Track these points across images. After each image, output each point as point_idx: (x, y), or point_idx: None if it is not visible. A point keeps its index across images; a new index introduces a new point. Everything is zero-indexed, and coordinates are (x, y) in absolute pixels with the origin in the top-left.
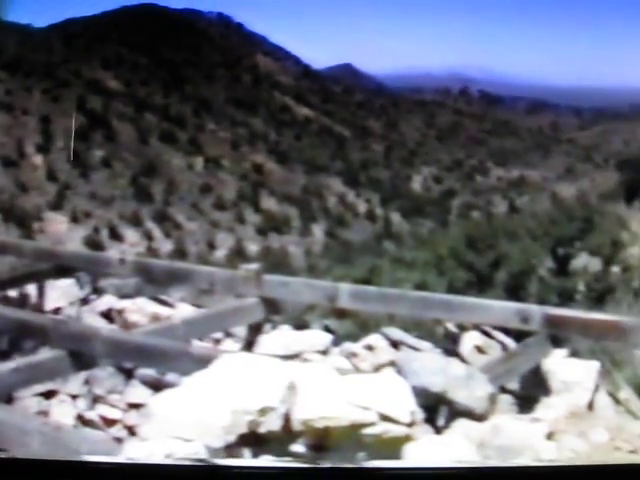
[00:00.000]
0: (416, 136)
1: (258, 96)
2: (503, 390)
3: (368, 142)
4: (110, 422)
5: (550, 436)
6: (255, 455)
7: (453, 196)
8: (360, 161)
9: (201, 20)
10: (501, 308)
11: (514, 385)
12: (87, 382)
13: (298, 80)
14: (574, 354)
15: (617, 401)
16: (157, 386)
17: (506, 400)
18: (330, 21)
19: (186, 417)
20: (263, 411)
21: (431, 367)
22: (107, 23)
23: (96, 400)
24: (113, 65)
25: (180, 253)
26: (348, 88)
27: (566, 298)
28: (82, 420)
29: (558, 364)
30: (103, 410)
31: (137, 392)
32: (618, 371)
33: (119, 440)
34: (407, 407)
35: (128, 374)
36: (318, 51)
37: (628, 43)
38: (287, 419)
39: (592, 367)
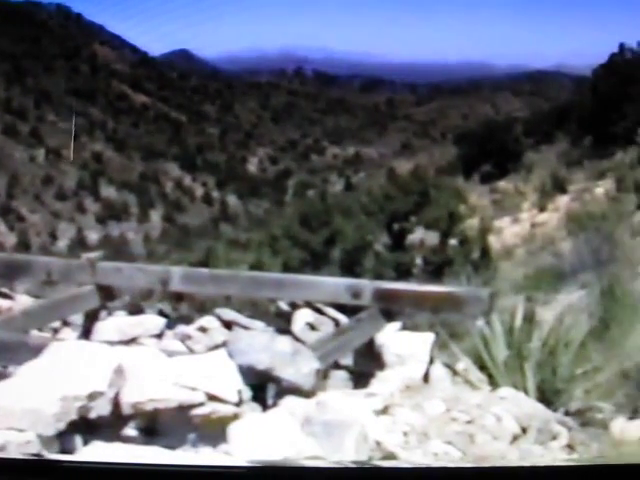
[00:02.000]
0: (251, 118)
1: (96, 85)
2: (337, 366)
3: (204, 126)
4: None
5: (384, 410)
6: (86, 441)
7: (289, 176)
8: (196, 145)
9: (41, 11)
10: (332, 284)
11: (348, 361)
12: None
13: (135, 68)
14: (413, 328)
15: (455, 372)
16: (0, 379)
17: (341, 376)
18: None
19: (18, 407)
20: (92, 396)
21: (257, 345)
22: None
23: None
24: None
25: (24, 245)
26: (184, 73)
27: (403, 272)
28: None
29: (391, 338)
30: None
31: None
32: (457, 342)
33: None
34: (234, 386)
35: None
36: (154, 38)
37: (465, 18)
38: (116, 403)
39: (427, 339)
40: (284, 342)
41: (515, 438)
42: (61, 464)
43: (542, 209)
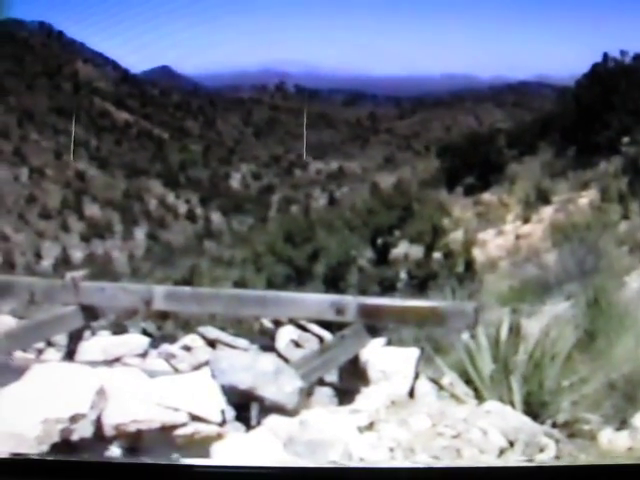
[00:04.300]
0: (234, 134)
1: (78, 103)
2: (322, 383)
3: (186, 143)
4: None
5: (369, 426)
6: None
7: (272, 191)
8: (179, 162)
9: (22, 29)
10: (315, 301)
11: (333, 377)
12: None
13: (117, 85)
14: (398, 343)
15: (441, 387)
16: None
17: (326, 393)
18: (147, 24)
19: (0, 430)
20: (74, 418)
21: (239, 364)
22: None
23: None
24: None
25: (9, 265)
26: (165, 90)
27: (388, 287)
28: None
29: (376, 354)
30: None
31: None
32: (442, 357)
33: None
34: (217, 406)
35: None
36: (136, 55)
37: (446, 30)
38: (99, 425)
39: (411, 354)
40: (267, 361)
41: (502, 452)
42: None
43: (526, 220)
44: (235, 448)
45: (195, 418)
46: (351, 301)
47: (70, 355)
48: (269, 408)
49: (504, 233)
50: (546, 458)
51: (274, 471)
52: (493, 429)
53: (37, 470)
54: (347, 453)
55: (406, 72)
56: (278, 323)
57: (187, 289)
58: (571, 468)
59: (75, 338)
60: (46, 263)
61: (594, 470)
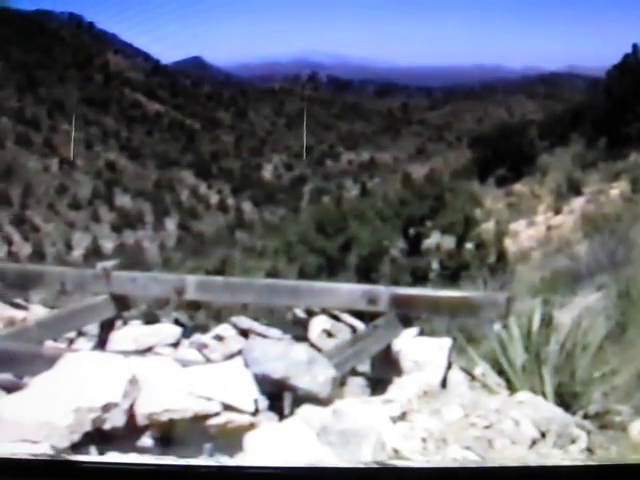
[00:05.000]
0: (266, 125)
1: (109, 94)
2: (354, 373)
3: (218, 133)
4: None
5: (402, 416)
6: (101, 452)
7: (304, 182)
8: (210, 153)
9: (52, 21)
10: (348, 291)
11: (365, 367)
12: None
13: (148, 76)
14: (430, 333)
15: (473, 377)
16: (15, 390)
17: (358, 383)
18: (177, 15)
19: (31, 419)
20: (106, 408)
21: (272, 354)
22: None
23: None
24: None
25: (39, 255)
26: (197, 81)
27: (420, 277)
28: None
29: (408, 344)
30: None
31: None
32: (474, 347)
33: None
34: (250, 396)
35: None
36: (167, 46)
37: (478, 21)
38: (131, 414)
39: (444, 344)
40: (300, 350)
41: (534, 442)
42: (78, 465)
43: (557, 211)
44: (268, 438)
45: (228, 408)
46: (384, 291)
47: (101, 345)
48: (302, 398)
49: (535, 224)
50: (577, 450)
51: (270, 471)
52: (525, 420)
53: (37, 470)
54: (380, 443)
55: (437, 63)
56: (311, 313)
57: (220, 279)
58: (572, 468)
59: (106, 328)
60: (76, 253)
61: (595, 470)
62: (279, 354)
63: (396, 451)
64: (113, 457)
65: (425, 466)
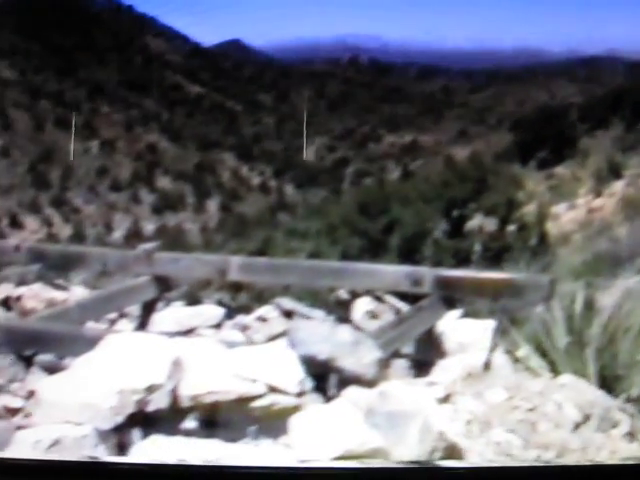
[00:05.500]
0: (307, 107)
1: (149, 77)
2: (398, 355)
3: (260, 115)
4: (13, 411)
5: (446, 399)
6: (145, 435)
7: (346, 164)
8: (252, 134)
9: (91, 4)
10: (392, 272)
11: (409, 349)
12: None
13: (188, 58)
14: (473, 314)
15: (516, 359)
16: (56, 371)
17: (402, 365)
18: None
19: (74, 400)
20: (150, 389)
21: (317, 335)
22: None
23: None
24: (7, 54)
25: (79, 237)
26: (238, 63)
27: (462, 259)
28: None
29: (452, 325)
30: (5, 400)
31: (37, 379)
32: (517, 329)
33: (21, 429)
34: (295, 377)
35: (28, 361)
36: (207, 29)
37: (519, 4)
38: (175, 396)
39: (487, 326)
40: (345, 331)
41: (577, 426)
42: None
43: (598, 194)
44: (313, 420)
45: (273, 389)
46: (428, 272)
47: (143, 326)
48: (347, 379)
49: (576, 207)
50: (618, 434)
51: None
52: (568, 403)
53: (37, 471)
54: (426, 426)
55: (479, 46)
56: (354, 294)
57: (263, 260)
58: (572, 468)
59: (148, 309)
60: (117, 235)
61: (595, 470)
62: (325, 335)
63: (442, 434)
64: (157, 449)
65: (431, 466)
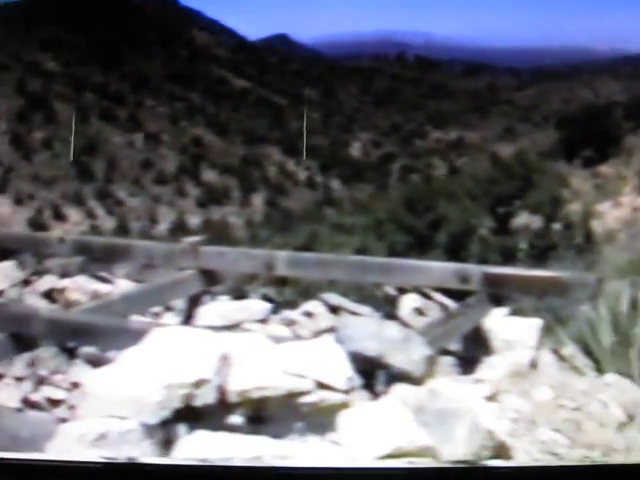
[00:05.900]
0: (353, 102)
1: (195, 70)
2: (444, 352)
3: (306, 110)
4: (55, 403)
5: (492, 397)
6: (191, 429)
7: (392, 160)
8: (298, 129)
9: None
10: (439, 269)
11: (456, 346)
12: (31, 363)
13: (234, 52)
14: (519, 312)
15: (561, 358)
16: (100, 364)
17: (448, 362)
18: None
19: (120, 394)
20: (197, 384)
21: (366, 331)
22: (44, 5)
23: (41, 381)
24: (52, 46)
25: (123, 229)
26: (284, 58)
27: (508, 257)
28: (28, 403)
29: (499, 323)
30: (48, 391)
31: (80, 371)
32: (562, 328)
33: (64, 421)
34: (343, 373)
35: (71, 353)
36: (253, 23)
37: (564, 3)
38: (222, 391)
39: (534, 325)
40: (393, 328)
41: (621, 426)
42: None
43: None
44: (362, 417)
45: (321, 386)
46: (475, 270)
47: (188, 320)
48: (396, 376)
49: (621, 205)
50: None
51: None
52: (613, 402)
53: (36, 471)
54: (475, 424)
55: (524, 43)
56: (401, 290)
57: (310, 255)
58: (572, 468)
59: (193, 303)
60: (161, 228)
61: (595, 470)
62: (373, 332)
63: (490, 432)
64: (203, 444)
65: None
